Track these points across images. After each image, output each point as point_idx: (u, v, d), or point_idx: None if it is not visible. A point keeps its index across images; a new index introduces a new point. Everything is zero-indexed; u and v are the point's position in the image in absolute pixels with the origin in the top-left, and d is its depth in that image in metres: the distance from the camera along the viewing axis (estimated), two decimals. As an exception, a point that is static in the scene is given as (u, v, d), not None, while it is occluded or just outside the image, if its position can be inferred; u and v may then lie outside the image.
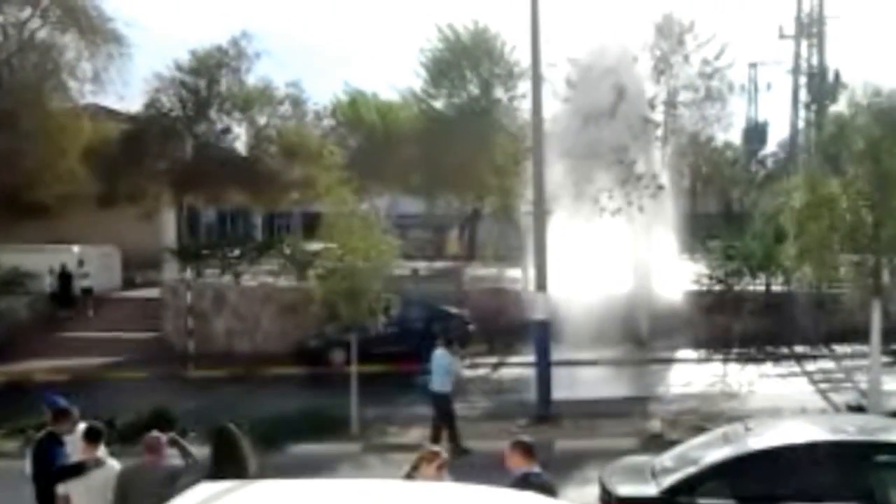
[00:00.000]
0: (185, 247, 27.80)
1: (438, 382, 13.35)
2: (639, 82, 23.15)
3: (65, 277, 26.31)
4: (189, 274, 24.67)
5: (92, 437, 7.82)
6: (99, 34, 27.31)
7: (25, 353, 21.84)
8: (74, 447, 7.99)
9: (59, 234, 27.78)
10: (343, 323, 15.03)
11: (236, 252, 25.66)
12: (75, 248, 27.42)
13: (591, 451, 12.34)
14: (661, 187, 22.17)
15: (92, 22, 27.11)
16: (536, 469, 6.55)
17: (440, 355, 13.48)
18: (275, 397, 17.00)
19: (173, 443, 7.63)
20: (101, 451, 7.98)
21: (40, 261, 26.09)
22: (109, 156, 27.12)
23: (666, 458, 8.71)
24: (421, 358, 20.57)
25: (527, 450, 6.60)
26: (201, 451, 7.74)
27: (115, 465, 7.75)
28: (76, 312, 25.98)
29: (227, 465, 7.02)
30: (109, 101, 29.14)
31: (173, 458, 7.57)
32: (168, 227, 30.98)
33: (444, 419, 13.19)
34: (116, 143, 27.79)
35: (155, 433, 7.67)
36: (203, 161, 27.46)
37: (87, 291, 26.60)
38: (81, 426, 8.14)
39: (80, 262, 26.86)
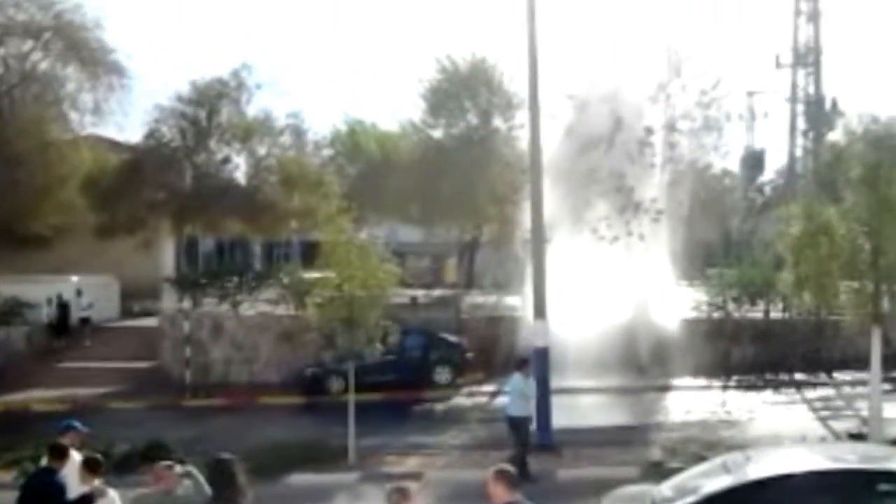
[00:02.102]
0: (183, 276, 27.78)
1: (515, 407, 13.15)
2: (637, 111, 23.30)
3: (63, 307, 26.28)
4: (187, 303, 24.63)
5: (91, 466, 7.78)
6: (100, 66, 27.57)
7: (23, 382, 21.74)
8: (73, 478, 7.91)
9: (58, 264, 27.78)
10: (341, 351, 14.96)
11: (235, 281, 25.64)
12: (74, 278, 27.40)
13: (591, 479, 12.22)
14: (660, 212, 22.23)
15: (93, 54, 27.38)
16: (520, 499, 6.37)
17: (518, 379, 13.26)
18: (272, 426, 16.90)
19: (187, 475, 7.46)
20: (99, 480, 7.92)
21: (39, 291, 26.07)
22: (109, 186, 27.22)
23: (665, 488, 8.63)
24: (419, 386, 20.69)
25: (510, 480, 6.39)
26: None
27: (114, 494, 7.68)
28: (74, 342, 25.89)
29: (223, 496, 6.95)
30: (110, 132, 29.38)
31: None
32: (167, 256, 30.98)
33: (519, 443, 13.02)
34: (116, 173, 27.89)
35: (165, 463, 7.56)
36: (202, 191, 27.54)
37: (85, 321, 26.53)
38: (77, 456, 8.08)
39: (79, 292, 26.82)
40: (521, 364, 13.61)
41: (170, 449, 14.36)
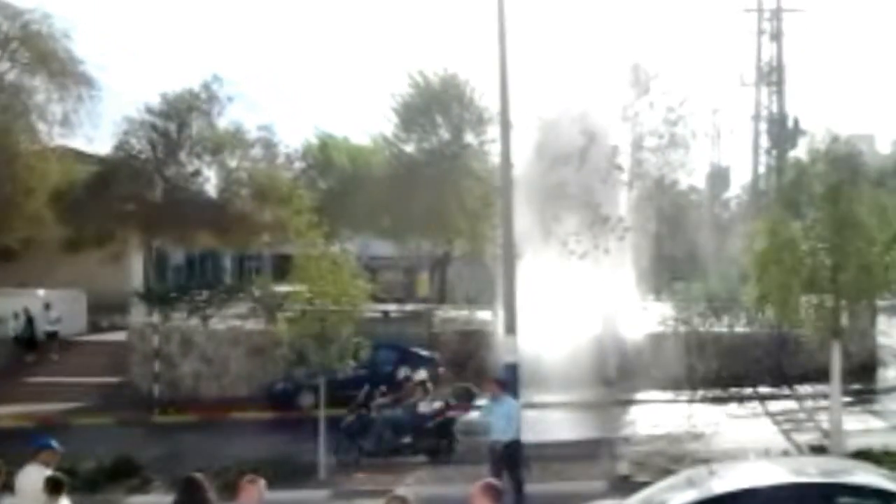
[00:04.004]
0: (152, 290, 27.55)
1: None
2: (606, 128, 23.64)
3: (29, 321, 25.96)
4: (156, 317, 24.44)
5: (53, 487, 7.69)
6: (69, 77, 27.25)
7: (-12, 398, 21.42)
8: (24, 496, 7.81)
9: (25, 277, 27.43)
10: (312, 367, 14.96)
11: (205, 295, 25.48)
12: (41, 292, 27.06)
13: (560, 495, 12.37)
14: (627, 229, 22.54)
15: (62, 65, 27.07)
16: None
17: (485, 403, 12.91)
18: (241, 442, 16.81)
19: None
20: (65, 501, 7.86)
21: (5, 304, 25.71)
22: (77, 198, 26.92)
23: (632, 502, 8.78)
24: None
25: (496, 493, 6.42)
26: (166, 500, 7.66)
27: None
28: (41, 357, 25.56)
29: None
30: (78, 143, 29.07)
31: None
32: (136, 270, 30.68)
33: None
34: (84, 186, 27.60)
35: (252, 476, 7.43)
36: (172, 204, 27.34)
37: (53, 336, 26.20)
38: (37, 475, 7.96)
39: (47, 306, 26.51)
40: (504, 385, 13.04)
41: (139, 466, 14.31)
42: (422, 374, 15.91)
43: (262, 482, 7.22)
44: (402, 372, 16.60)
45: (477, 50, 32.00)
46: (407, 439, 15.02)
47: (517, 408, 12.80)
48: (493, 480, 6.81)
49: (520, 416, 12.74)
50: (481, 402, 13.45)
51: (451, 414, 15.48)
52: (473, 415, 13.87)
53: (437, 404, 15.66)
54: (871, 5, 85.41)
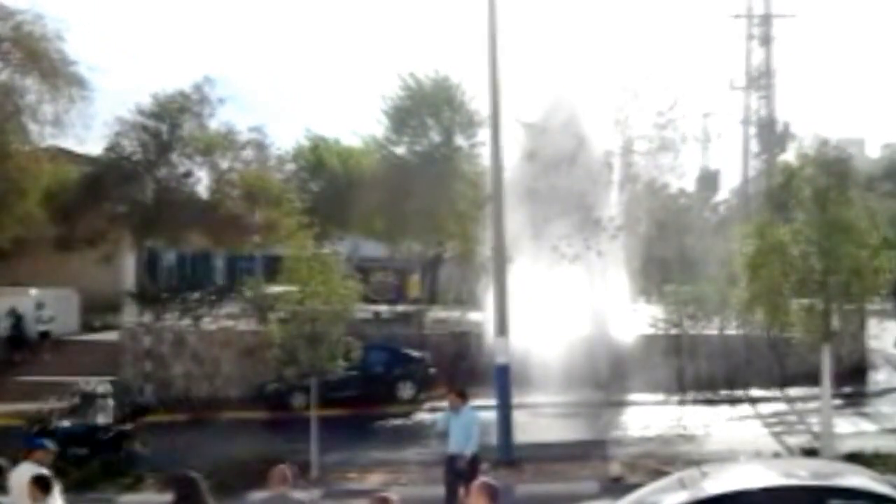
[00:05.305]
0: (144, 290, 27.52)
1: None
2: (597, 131, 23.74)
3: (18, 320, 25.92)
4: (148, 318, 24.39)
5: (42, 485, 7.72)
6: (61, 77, 27.20)
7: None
8: (18, 495, 7.85)
9: (18, 276, 27.39)
10: (303, 367, 14.99)
11: (196, 295, 25.48)
12: (33, 291, 27.02)
13: (552, 495, 12.42)
14: (619, 229, 22.64)
15: (54, 65, 27.01)
16: None
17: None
18: (233, 442, 16.81)
19: None
20: (59, 499, 7.88)
21: (-2, 303, 25.70)
22: (69, 198, 26.91)
23: (624, 504, 8.83)
24: (382, 401, 20.72)
25: (493, 492, 6.44)
26: (159, 498, 7.70)
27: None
28: (32, 356, 25.51)
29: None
30: (69, 144, 29.02)
31: None
32: (128, 270, 30.64)
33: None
34: (76, 186, 27.58)
35: (283, 465, 7.76)
36: (164, 204, 27.33)
37: (45, 335, 26.16)
38: (27, 473, 7.98)
39: (40, 306, 26.48)
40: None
41: (130, 464, 14.32)
42: (106, 387, 16.28)
43: (289, 472, 7.66)
44: (91, 384, 17.05)
45: (468, 53, 32.06)
46: (83, 451, 15.29)
47: (477, 421, 11.96)
48: (489, 480, 6.82)
49: (478, 430, 11.89)
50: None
51: (125, 427, 15.86)
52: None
53: (113, 418, 16.14)
54: (862, 10, 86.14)
